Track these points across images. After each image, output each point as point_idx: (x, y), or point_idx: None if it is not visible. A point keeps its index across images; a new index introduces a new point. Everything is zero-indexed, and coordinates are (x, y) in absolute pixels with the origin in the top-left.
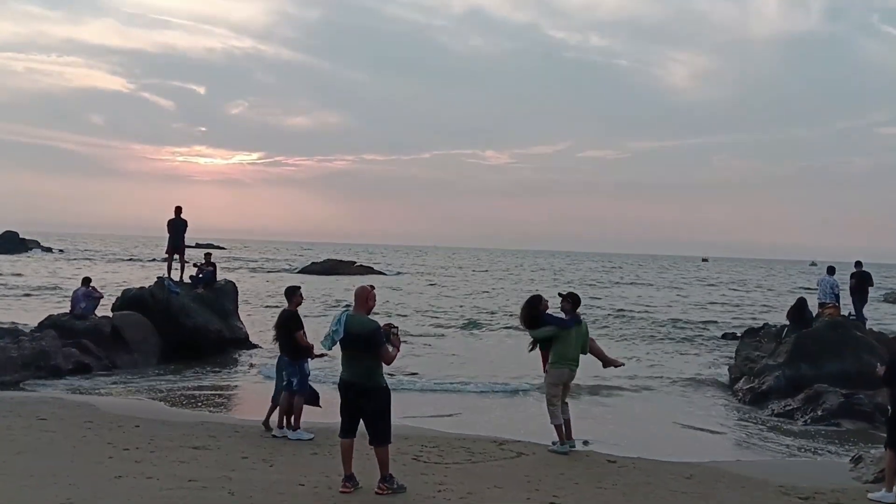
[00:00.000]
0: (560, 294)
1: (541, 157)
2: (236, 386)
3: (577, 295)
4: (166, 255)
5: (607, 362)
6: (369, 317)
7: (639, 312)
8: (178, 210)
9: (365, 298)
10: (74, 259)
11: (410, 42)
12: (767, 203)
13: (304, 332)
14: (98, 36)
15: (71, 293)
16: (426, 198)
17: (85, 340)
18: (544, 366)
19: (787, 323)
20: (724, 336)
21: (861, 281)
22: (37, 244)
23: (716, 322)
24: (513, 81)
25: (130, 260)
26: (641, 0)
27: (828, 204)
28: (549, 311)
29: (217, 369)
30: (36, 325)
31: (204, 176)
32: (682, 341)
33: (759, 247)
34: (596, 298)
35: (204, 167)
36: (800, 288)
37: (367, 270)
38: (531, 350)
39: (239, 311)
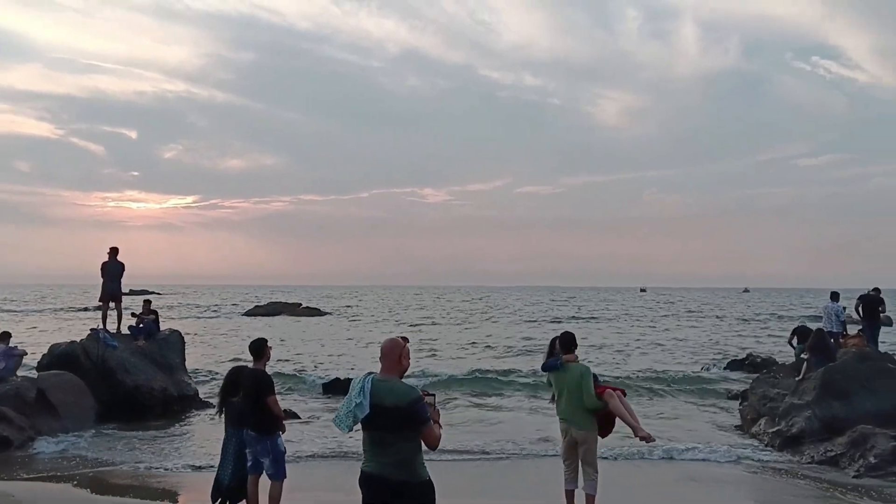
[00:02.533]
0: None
1: (479, 195)
2: (182, 468)
3: (567, 334)
4: (100, 304)
5: (635, 430)
6: (404, 381)
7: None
8: (114, 252)
9: (398, 357)
10: None
11: (347, 83)
12: (698, 234)
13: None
14: (24, 81)
15: None
16: (366, 237)
17: (3, 408)
18: None
19: (802, 355)
20: (705, 368)
21: (871, 306)
22: None
23: (692, 354)
24: (449, 121)
25: (60, 310)
26: (572, 41)
27: (755, 233)
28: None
29: (162, 436)
30: None
31: (137, 221)
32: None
33: (694, 276)
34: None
35: (136, 212)
36: (742, 320)
37: (314, 312)
38: (551, 401)
39: (186, 364)
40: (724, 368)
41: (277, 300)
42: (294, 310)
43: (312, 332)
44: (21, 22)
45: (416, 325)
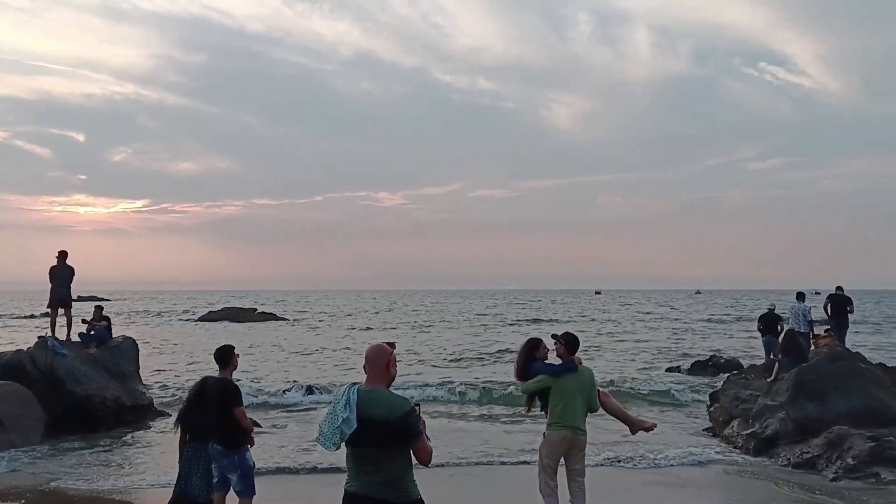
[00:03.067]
0: (553, 336)
1: (434, 198)
2: (139, 484)
3: (572, 335)
4: (48, 310)
5: (634, 424)
6: (394, 392)
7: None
8: (63, 255)
9: (385, 364)
10: None
11: (300, 86)
12: (652, 237)
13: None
14: None
15: None
16: (320, 241)
17: None
18: None
19: (774, 356)
20: (669, 370)
21: (839, 305)
22: None
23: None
24: (403, 124)
25: (2, 317)
26: (525, 45)
27: (707, 235)
28: (547, 360)
29: (116, 449)
30: None
31: (85, 226)
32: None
33: (647, 278)
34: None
35: (84, 216)
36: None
37: (269, 317)
38: (528, 411)
39: (140, 373)
40: (688, 370)
41: (232, 305)
42: (249, 315)
43: (270, 338)
44: None
45: (369, 328)
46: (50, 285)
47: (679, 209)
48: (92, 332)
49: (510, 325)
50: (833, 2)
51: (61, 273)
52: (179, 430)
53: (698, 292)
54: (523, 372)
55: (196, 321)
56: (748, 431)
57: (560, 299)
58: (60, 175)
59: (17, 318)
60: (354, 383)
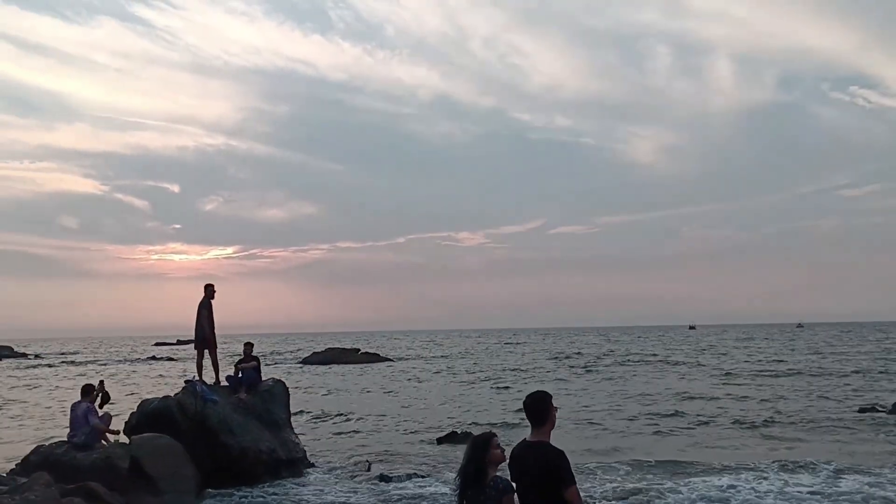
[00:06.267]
0: None
1: (514, 237)
2: None
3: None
4: (197, 350)
5: None
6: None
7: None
8: (210, 290)
9: None
10: (53, 365)
11: (380, 131)
12: (741, 269)
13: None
14: (70, 140)
15: (69, 409)
16: (402, 282)
17: (92, 483)
18: None
19: None
20: (863, 410)
21: None
22: (9, 350)
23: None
24: (482, 164)
25: (124, 361)
26: (602, 80)
27: (801, 266)
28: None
29: None
30: (18, 462)
31: (179, 273)
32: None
33: (740, 313)
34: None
35: (179, 264)
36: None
37: (373, 357)
38: None
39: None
40: (889, 410)
41: (335, 346)
42: (353, 356)
43: (393, 380)
44: (65, 83)
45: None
46: (196, 322)
47: (769, 240)
48: (241, 375)
49: (622, 365)
50: None
51: (208, 308)
52: None
53: (800, 326)
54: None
55: (298, 363)
56: None
57: (654, 335)
58: (156, 225)
59: (137, 360)
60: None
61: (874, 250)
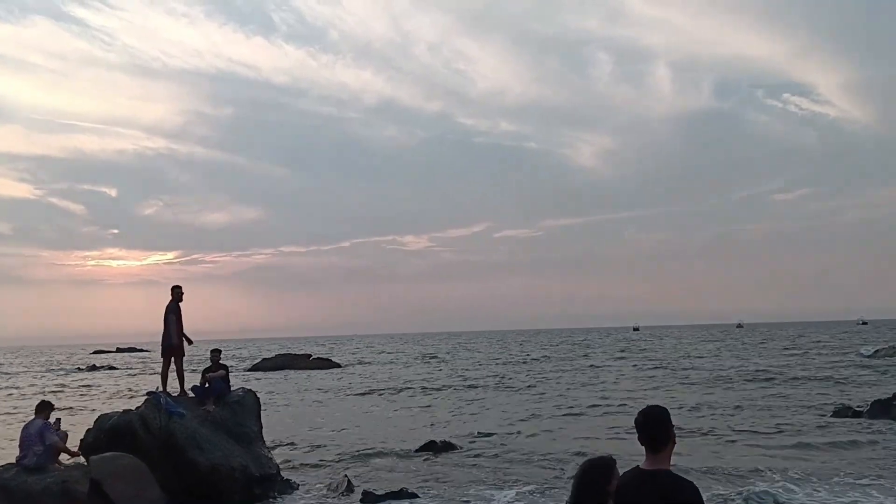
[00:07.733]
0: None
1: (459, 240)
2: None
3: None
4: (163, 359)
5: None
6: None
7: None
8: (178, 293)
9: None
10: None
11: (325, 134)
12: (680, 271)
13: None
14: (3, 143)
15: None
16: (348, 286)
17: None
18: None
19: None
20: (837, 414)
21: None
22: None
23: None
24: (428, 168)
25: (60, 372)
26: (546, 85)
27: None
28: None
29: None
30: None
31: (117, 279)
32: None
33: (681, 314)
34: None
35: (117, 270)
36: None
37: (325, 363)
38: None
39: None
40: (867, 413)
41: (287, 352)
42: (305, 362)
43: (349, 387)
44: None
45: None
46: (164, 328)
47: (706, 243)
48: (208, 385)
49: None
50: (855, 30)
51: (175, 313)
52: None
53: (740, 325)
54: None
55: (246, 370)
56: None
57: (598, 335)
58: (93, 230)
59: (78, 370)
60: None
61: (803, 252)
